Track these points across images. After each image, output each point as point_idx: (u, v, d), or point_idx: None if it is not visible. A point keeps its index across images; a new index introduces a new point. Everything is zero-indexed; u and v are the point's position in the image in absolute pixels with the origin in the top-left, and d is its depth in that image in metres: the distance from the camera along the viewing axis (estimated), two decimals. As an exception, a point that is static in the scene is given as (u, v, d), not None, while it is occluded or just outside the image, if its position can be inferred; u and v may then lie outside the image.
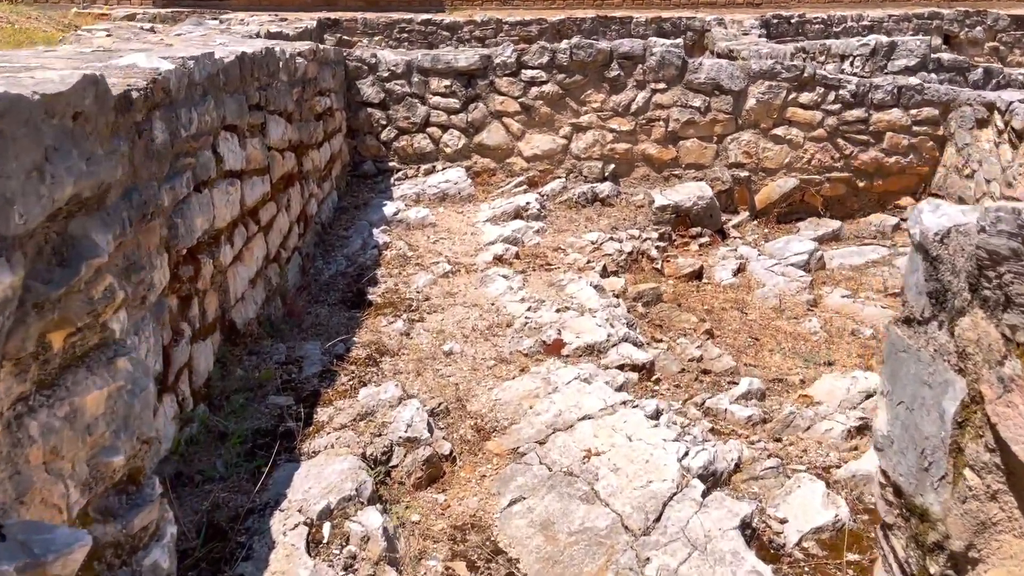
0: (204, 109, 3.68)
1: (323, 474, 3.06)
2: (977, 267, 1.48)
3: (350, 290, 5.42)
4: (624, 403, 3.65)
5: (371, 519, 2.81)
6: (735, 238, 7.47)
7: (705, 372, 4.52)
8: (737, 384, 4.16)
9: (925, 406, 1.68)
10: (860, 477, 3.21)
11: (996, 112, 7.07)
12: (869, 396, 3.88)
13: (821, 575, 2.85)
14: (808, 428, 3.63)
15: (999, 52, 16.43)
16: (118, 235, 2.68)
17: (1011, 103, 6.75)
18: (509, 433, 3.68)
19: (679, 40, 7.79)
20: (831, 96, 7.63)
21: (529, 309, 5.05)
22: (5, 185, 1.55)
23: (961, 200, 7.41)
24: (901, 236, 7.66)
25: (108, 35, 5.97)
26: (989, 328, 1.46)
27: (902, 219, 7.87)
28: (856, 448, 3.48)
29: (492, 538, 3.01)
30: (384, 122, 7.76)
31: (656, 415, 3.56)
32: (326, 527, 2.79)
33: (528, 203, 7.19)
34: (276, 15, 13.23)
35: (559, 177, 7.79)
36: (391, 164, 7.81)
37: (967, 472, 1.54)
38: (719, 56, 12.86)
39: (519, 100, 7.66)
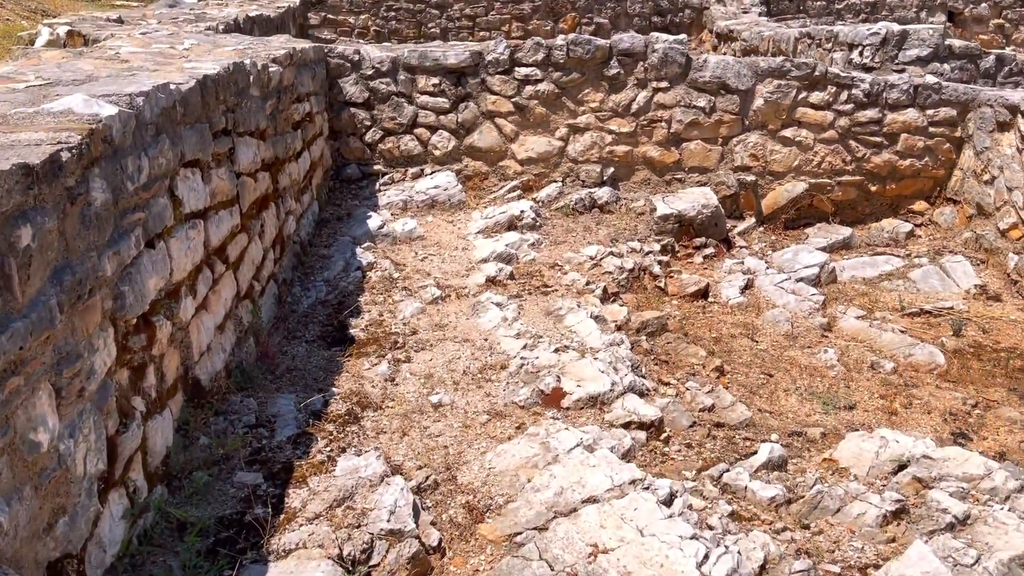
0: (158, 151, 3.24)
1: (293, 586, 2.67)
2: None
3: (330, 323, 5.00)
4: (633, 483, 3.26)
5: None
6: (741, 247, 7.06)
7: (718, 425, 4.14)
8: (755, 450, 3.77)
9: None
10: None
11: (1019, 115, 6.65)
12: (901, 467, 3.51)
13: None
14: (838, 511, 3.26)
15: (1004, 30, 15.97)
16: (38, 332, 2.27)
17: (1037, 108, 6.33)
18: (505, 514, 3.30)
19: (683, 36, 7.31)
20: (843, 95, 7.19)
21: (525, 347, 4.65)
22: None
23: (980, 208, 7.01)
24: (915, 243, 7.28)
25: (63, 45, 5.44)
26: None
27: (916, 225, 7.48)
28: (893, 540, 3.11)
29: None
30: (368, 123, 7.28)
31: (670, 499, 3.17)
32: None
33: (523, 211, 6.76)
34: (257, -6, 12.60)
35: (555, 181, 7.34)
36: (376, 167, 7.34)
37: None
38: (718, 36, 12.37)
39: (512, 99, 7.18)
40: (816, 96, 7.18)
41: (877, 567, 2.96)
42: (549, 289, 5.59)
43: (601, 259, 6.14)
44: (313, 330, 4.92)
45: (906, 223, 7.42)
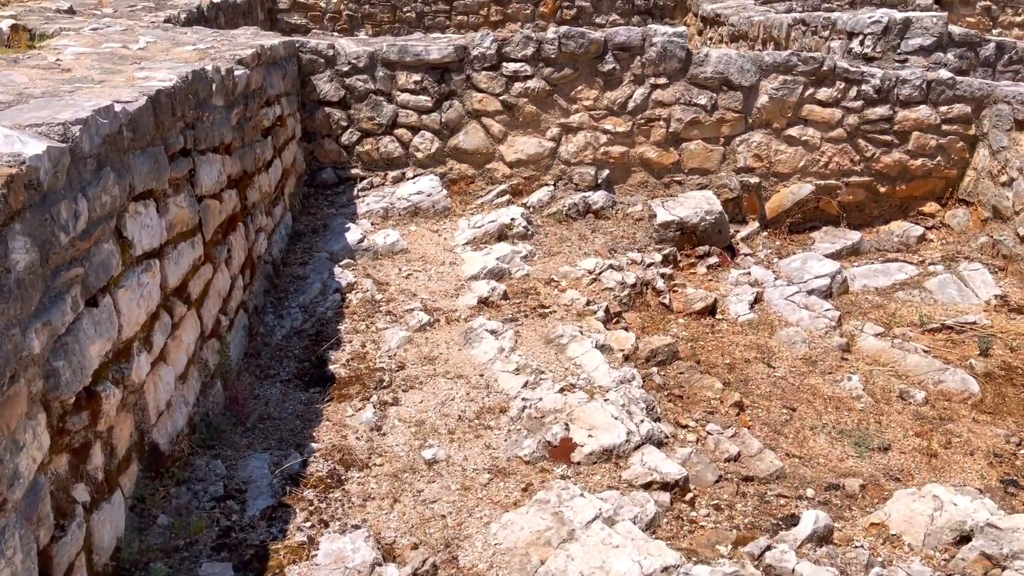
0: (100, 189, 2.71)
1: None
2: None
3: (308, 357, 4.49)
4: (666, 571, 2.81)
5: None
6: (746, 255, 6.63)
7: (747, 480, 3.70)
8: (792, 513, 3.34)
9: None
10: None
11: (1041, 114, 6.25)
12: (964, 538, 3.10)
13: None
14: (901, 599, 2.84)
15: (991, 12, 15.62)
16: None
17: (1064, 108, 5.93)
18: (516, 607, 2.84)
19: (683, 29, 6.82)
20: (852, 92, 6.75)
21: (526, 385, 4.18)
22: None
23: (996, 211, 6.62)
24: (927, 248, 6.88)
25: (7, 42, 4.83)
26: None
27: (927, 228, 7.09)
28: (971, 639, 2.70)
29: None
30: (345, 123, 6.72)
31: (710, 593, 2.73)
32: None
33: (513, 219, 6.26)
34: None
35: (547, 185, 6.84)
36: (354, 171, 6.79)
37: None
38: (704, 20, 11.88)
39: (500, 97, 6.66)
40: (824, 92, 6.73)
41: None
42: (547, 310, 5.11)
43: (600, 273, 5.67)
44: (289, 367, 4.41)
45: (917, 226, 7.02)
